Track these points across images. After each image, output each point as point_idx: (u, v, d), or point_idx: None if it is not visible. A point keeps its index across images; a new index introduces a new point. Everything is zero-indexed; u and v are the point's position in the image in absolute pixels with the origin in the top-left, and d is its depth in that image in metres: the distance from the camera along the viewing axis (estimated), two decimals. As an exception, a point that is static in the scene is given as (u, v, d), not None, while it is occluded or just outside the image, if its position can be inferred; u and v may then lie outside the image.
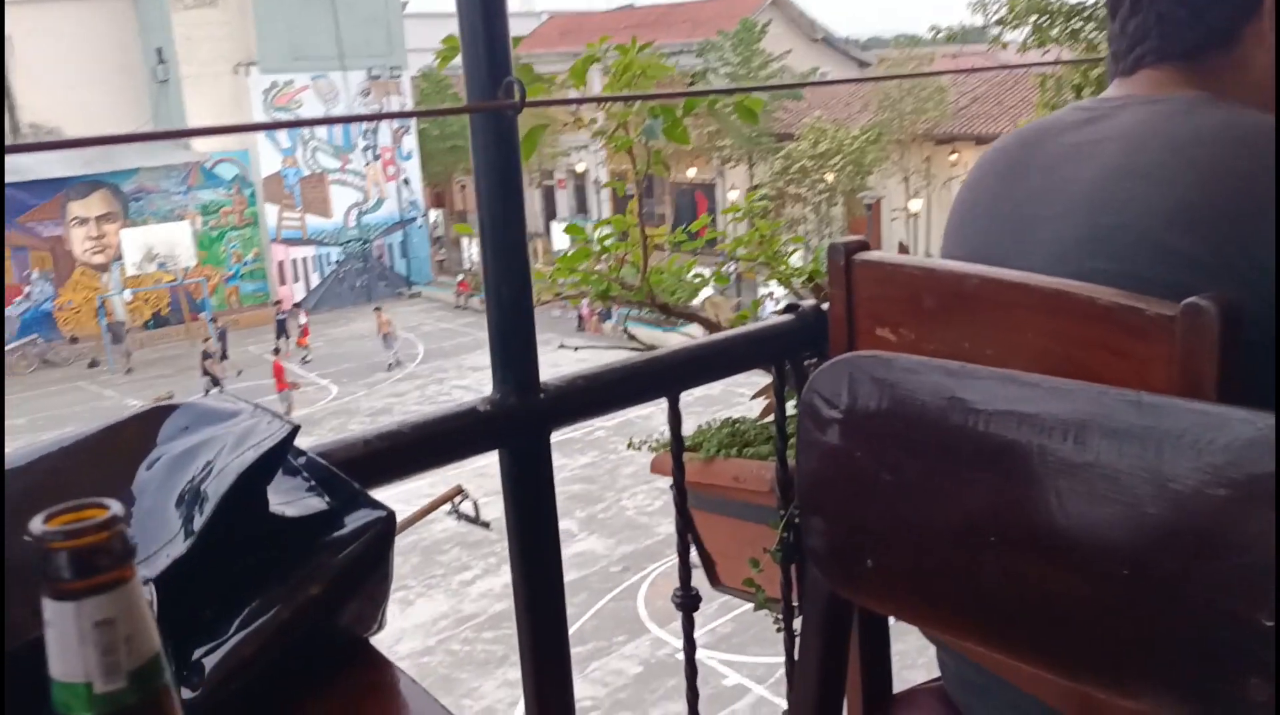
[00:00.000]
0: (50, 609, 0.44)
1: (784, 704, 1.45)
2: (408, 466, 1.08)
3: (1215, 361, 0.78)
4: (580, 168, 29.24)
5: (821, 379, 0.92)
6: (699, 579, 1.68)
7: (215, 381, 19.06)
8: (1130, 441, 0.72)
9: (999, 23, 7.97)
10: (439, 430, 1.11)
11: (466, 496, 8.05)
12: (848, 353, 0.96)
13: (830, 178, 22.67)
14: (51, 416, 17.70)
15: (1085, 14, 7.30)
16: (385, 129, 27.71)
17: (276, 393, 17.75)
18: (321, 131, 26.88)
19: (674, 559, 1.49)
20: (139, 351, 22.88)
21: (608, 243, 2.30)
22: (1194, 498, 0.69)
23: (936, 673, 1.18)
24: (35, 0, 23.21)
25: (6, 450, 0.76)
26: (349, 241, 27.65)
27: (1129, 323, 0.84)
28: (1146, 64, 1.05)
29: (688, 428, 1.74)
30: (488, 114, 1.06)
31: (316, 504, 0.80)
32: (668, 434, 1.46)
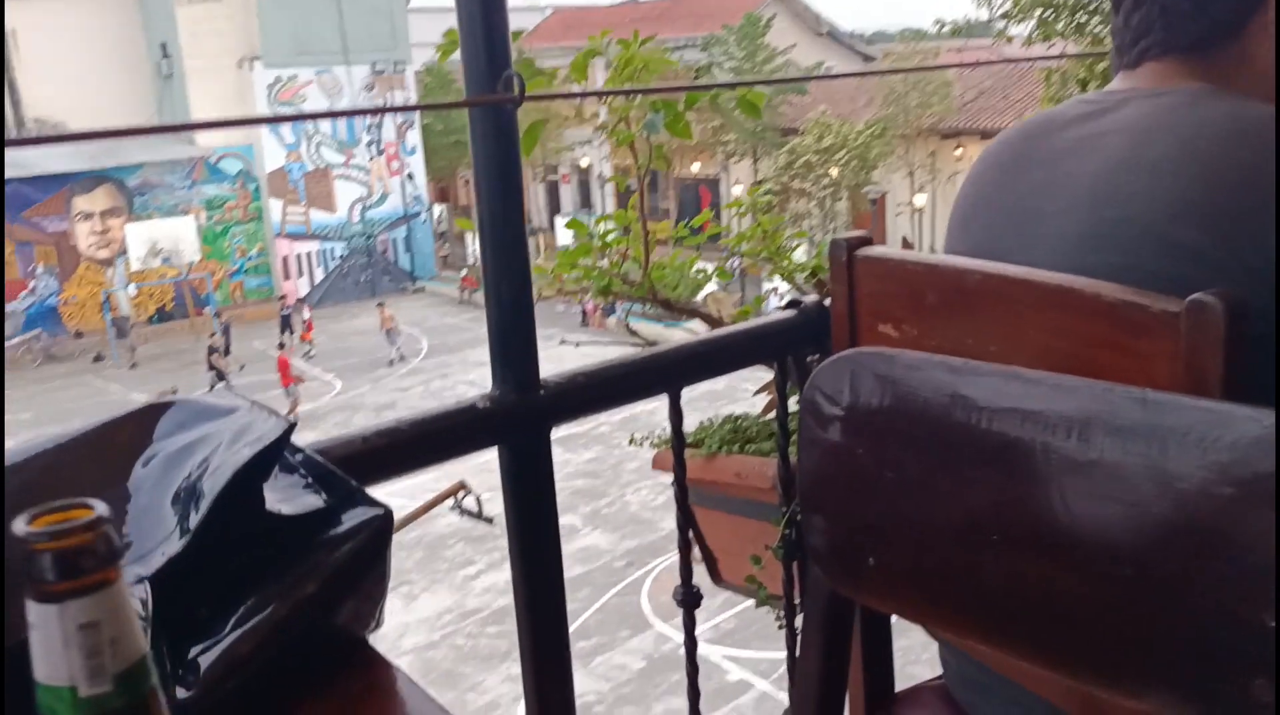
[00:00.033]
0: (34, 611, 0.43)
1: (787, 699, 1.44)
2: (407, 463, 1.07)
3: (1220, 358, 0.77)
4: (585, 163, 29.20)
5: (823, 376, 0.91)
6: (701, 576, 1.68)
7: (221, 376, 19.08)
8: (1134, 439, 0.72)
9: (1004, 16, 7.94)
10: (438, 427, 1.10)
11: (469, 492, 8.06)
12: (850, 349, 0.96)
13: (835, 173, 22.61)
14: (57, 411, 17.72)
15: (1091, 7, 7.26)
16: (389, 124, 27.70)
17: (282, 388, 17.77)
18: (325, 126, 26.84)
19: (678, 554, 1.48)
20: (144, 346, 22.92)
21: (609, 238, 2.29)
22: (1199, 496, 0.68)
23: (941, 668, 1.18)
24: (40, -5, 23.23)
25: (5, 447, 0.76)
26: (353, 237, 27.65)
27: (1133, 319, 0.84)
28: (1150, 57, 1.04)
29: (691, 423, 1.73)
30: (486, 108, 1.05)
31: (313, 501, 0.79)
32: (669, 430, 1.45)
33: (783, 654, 1.57)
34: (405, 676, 0.77)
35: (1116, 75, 1.09)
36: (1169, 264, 0.89)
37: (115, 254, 24.34)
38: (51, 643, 0.43)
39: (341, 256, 27.54)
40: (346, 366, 21.03)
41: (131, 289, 24.27)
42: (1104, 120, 1.01)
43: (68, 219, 23.97)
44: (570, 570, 10.84)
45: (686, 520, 1.45)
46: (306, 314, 23.42)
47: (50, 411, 17.86)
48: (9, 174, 22.46)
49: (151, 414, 0.82)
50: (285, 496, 0.79)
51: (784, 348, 1.45)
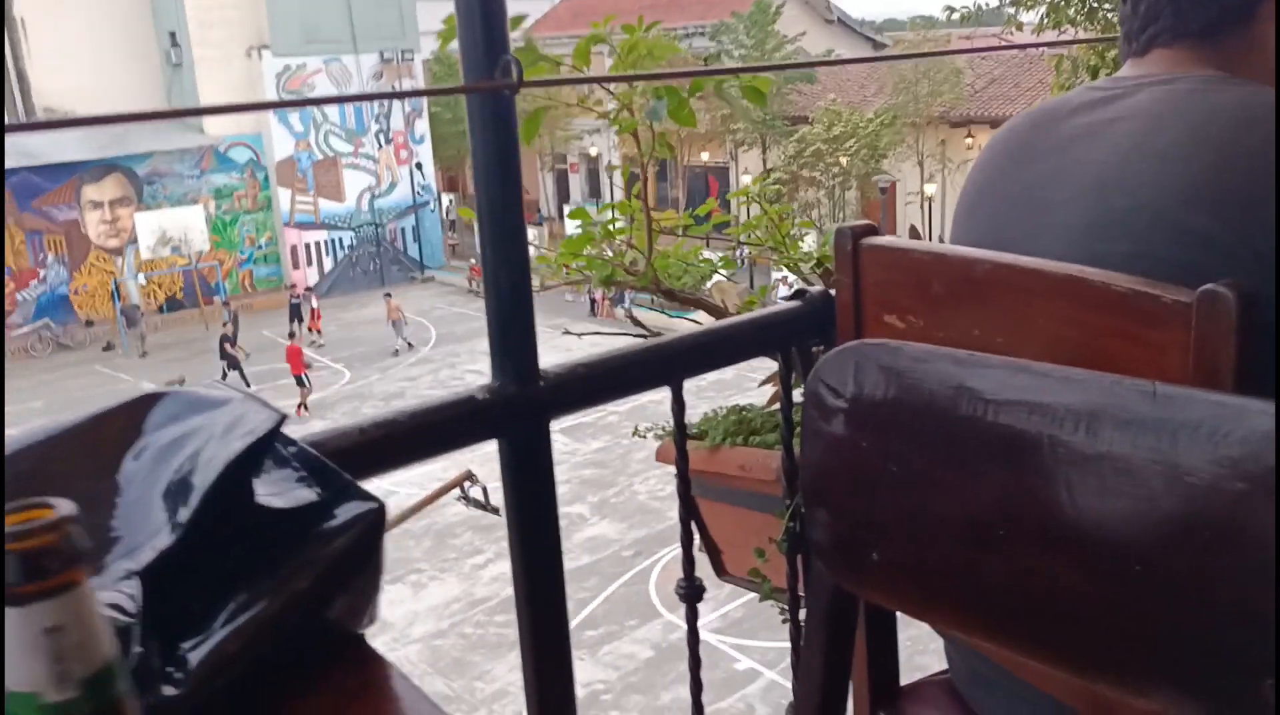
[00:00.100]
0: (-3, 615, 0.41)
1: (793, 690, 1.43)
2: (405, 456, 1.06)
3: (1232, 348, 0.76)
4: (593, 151, 29.13)
5: (827, 367, 0.90)
6: (705, 569, 1.66)
7: (235, 365, 19.10)
8: (1144, 433, 0.70)
9: (1014, 3, 7.87)
10: (436, 419, 1.08)
11: (476, 481, 8.06)
12: (855, 340, 0.94)
13: (844, 161, 22.52)
14: (68, 399, 17.80)
15: (1102, -7, 7.20)
16: (398, 112, 27.67)
17: (293, 376, 17.80)
18: (334, 115, 26.83)
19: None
20: (153, 335, 22.98)
21: (612, 227, 2.26)
22: (1209, 491, 0.67)
23: (946, 663, 1.16)
24: (48, -15, 23.25)
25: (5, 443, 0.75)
26: (361, 226, 27.65)
27: (1144, 309, 0.82)
28: (1159, 44, 1.03)
29: (697, 413, 1.71)
30: (484, 94, 1.03)
31: (306, 495, 0.78)
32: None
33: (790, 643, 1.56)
34: (399, 673, 0.76)
35: (1125, 63, 1.07)
36: (1180, 251, 0.88)
37: (125, 243, 24.40)
38: (15, 648, 0.41)
39: (350, 246, 27.56)
40: (355, 356, 21.06)
41: (141, 278, 24.34)
42: (1112, 108, 1.00)
43: (77, 208, 24.03)
44: (578, 560, 10.89)
45: (688, 514, 1.44)
46: (314, 303, 23.44)
47: (60, 400, 17.95)
48: (19, 163, 22.53)
49: (142, 406, 0.81)
50: (278, 490, 0.78)
51: (788, 338, 1.44)
